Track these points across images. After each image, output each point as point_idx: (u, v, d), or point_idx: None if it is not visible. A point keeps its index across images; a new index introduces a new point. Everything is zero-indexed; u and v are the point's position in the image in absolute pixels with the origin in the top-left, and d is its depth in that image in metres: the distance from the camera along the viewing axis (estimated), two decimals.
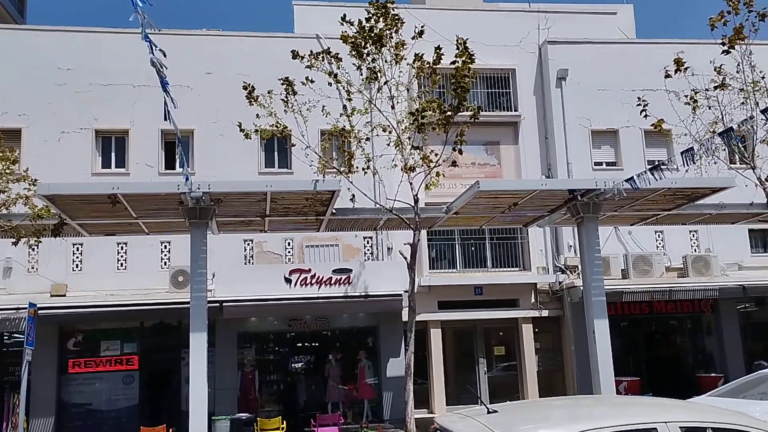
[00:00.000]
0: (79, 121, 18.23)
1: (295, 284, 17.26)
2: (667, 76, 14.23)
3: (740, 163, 14.94)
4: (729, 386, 10.13)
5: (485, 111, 19.07)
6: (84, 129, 18.26)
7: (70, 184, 13.27)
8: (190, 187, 11.53)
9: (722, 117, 14.17)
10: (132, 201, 12.25)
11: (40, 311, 14.60)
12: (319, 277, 17.37)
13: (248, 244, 18.48)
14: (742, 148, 13.58)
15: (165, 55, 8.58)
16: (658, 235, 19.89)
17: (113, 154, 18.61)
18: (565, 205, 13.87)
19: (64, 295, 17.12)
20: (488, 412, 4.96)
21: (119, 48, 18.33)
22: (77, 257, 17.78)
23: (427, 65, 13.96)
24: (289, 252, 18.68)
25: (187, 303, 12.52)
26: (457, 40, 13.71)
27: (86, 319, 17.05)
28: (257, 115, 14.23)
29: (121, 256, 17.94)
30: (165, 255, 18.07)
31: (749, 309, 20.33)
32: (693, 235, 20.00)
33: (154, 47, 8.12)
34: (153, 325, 17.97)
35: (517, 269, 19.80)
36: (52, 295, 17.03)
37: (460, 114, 13.95)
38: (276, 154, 19.01)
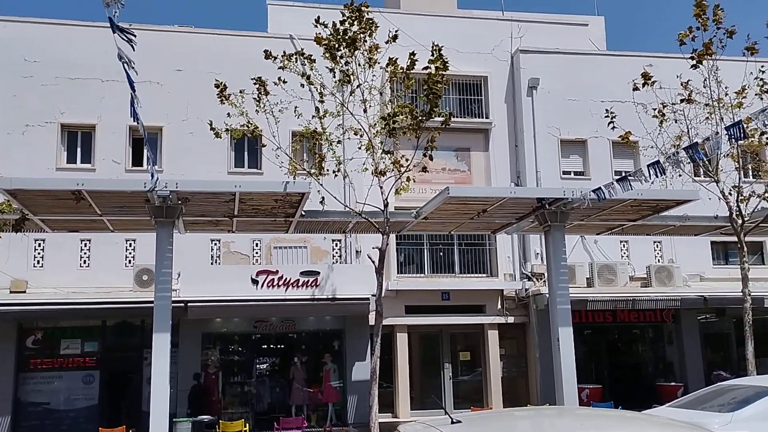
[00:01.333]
0: (44, 115, 17.87)
1: (262, 285, 17.12)
2: (635, 88, 14.46)
3: (704, 177, 15.22)
4: (689, 397, 10.29)
5: (457, 117, 19.15)
6: (49, 123, 17.91)
7: (33, 179, 13.00)
8: (157, 185, 11.36)
9: (688, 131, 14.43)
10: (97, 198, 12.03)
11: None
12: (286, 278, 17.26)
13: (215, 244, 18.29)
14: (707, 162, 13.83)
15: (134, 49, 8.37)
16: (623, 245, 20.18)
17: (79, 149, 18.28)
18: (533, 213, 13.99)
19: (24, 292, 16.76)
20: (452, 423, 4.96)
21: (88, 42, 18.02)
22: (39, 253, 17.42)
23: (401, 71, 13.97)
24: (256, 253, 18.53)
25: (151, 302, 12.33)
26: (432, 47, 13.74)
27: (46, 317, 16.72)
28: (228, 114, 14.10)
29: (84, 253, 17.62)
30: (130, 253, 17.79)
31: (709, 320, 20.71)
32: (657, 245, 20.32)
33: (128, 36, 7.89)
34: (115, 324, 17.68)
35: (484, 275, 19.91)
36: (11, 291, 16.65)
37: (431, 120, 13.99)
38: (246, 154, 18.85)
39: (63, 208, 12.55)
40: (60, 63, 18.06)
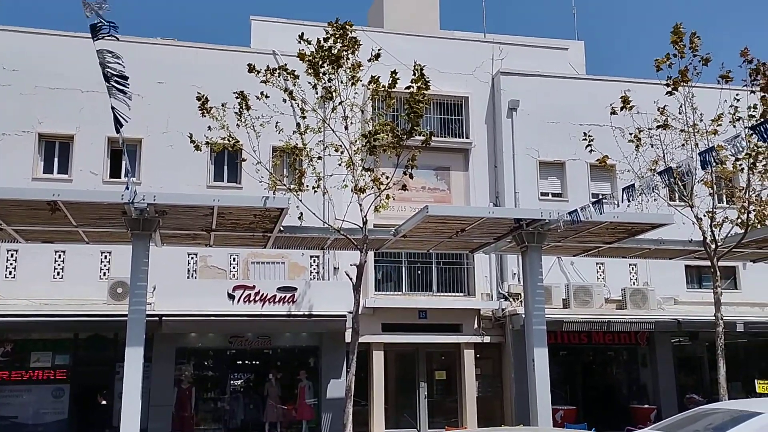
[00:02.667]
0: (22, 124, 17.69)
1: (239, 300, 17.01)
2: (613, 112, 14.67)
3: (679, 201, 15.43)
4: (666, 422, 10.31)
5: (437, 136, 19.26)
6: (27, 132, 17.73)
7: (7, 188, 12.86)
8: (134, 198, 11.28)
9: (663, 156, 14.65)
10: (73, 209, 11.91)
11: None
12: (263, 294, 17.16)
13: (192, 258, 18.14)
14: (682, 187, 14.04)
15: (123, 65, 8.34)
16: (599, 267, 20.34)
17: (56, 160, 18.10)
18: (510, 233, 14.08)
19: None
20: None
21: (69, 52, 17.91)
22: (11, 264, 17.16)
23: (383, 89, 14.06)
24: (234, 267, 18.42)
25: (125, 316, 12.19)
26: (414, 66, 13.86)
27: (17, 329, 16.41)
28: (209, 127, 14.07)
29: (59, 265, 17.38)
30: (105, 265, 17.59)
31: (683, 343, 20.90)
32: (632, 268, 20.51)
33: (110, 36, 7.83)
34: (88, 337, 17.43)
35: (461, 294, 19.94)
36: None
37: (412, 138, 14.08)
38: (226, 168, 18.78)
39: (38, 218, 12.41)
40: (40, 72, 17.92)
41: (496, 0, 50.85)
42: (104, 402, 17.18)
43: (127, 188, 11.17)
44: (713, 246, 14.29)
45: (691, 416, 9.94)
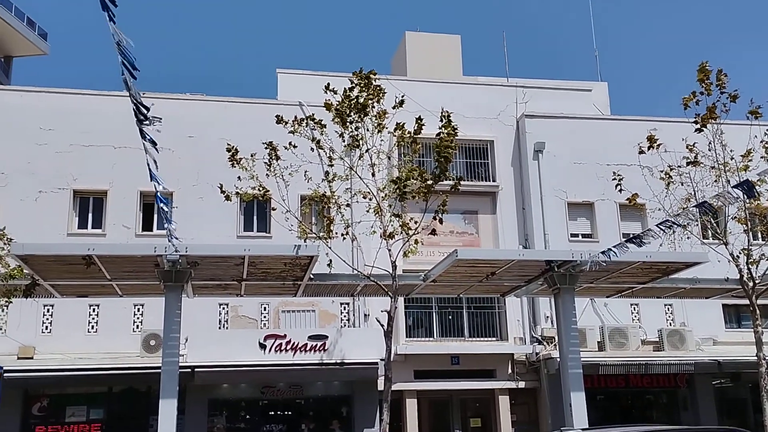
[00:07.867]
0: (57, 181, 18.16)
1: (270, 350, 16.97)
2: (641, 152, 14.57)
3: (713, 239, 15.16)
4: None
5: (464, 180, 19.25)
6: (62, 189, 18.18)
7: (44, 244, 13.12)
8: (167, 250, 11.43)
9: (695, 193, 14.46)
10: (107, 263, 12.11)
11: (5, 374, 14.15)
12: (294, 343, 17.11)
13: (223, 308, 18.24)
14: (715, 225, 13.83)
15: (148, 110, 8.55)
16: (634, 308, 19.98)
17: (90, 215, 18.49)
18: (542, 275, 13.94)
19: (32, 358, 16.66)
20: None
21: (102, 110, 18.47)
22: (47, 318, 17.40)
23: (408, 135, 14.19)
24: (264, 317, 18.44)
25: (158, 368, 12.24)
26: (441, 113, 13.98)
27: (53, 383, 16.57)
28: (239, 177, 14.28)
29: (93, 318, 17.58)
30: (137, 318, 17.75)
31: (725, 385, 20.28)
32: (668, 308, 20.10)
33: (141, 103, 8.08)
34: (121, 390, 17.49)
35: (494, 339, 19.68)
36: (19, 358, 16.55)
37: (440, 183, 14.13)
38: (255, 217, 19.00)
39: (73, 273, 12.62)
40: (74, 130, 18.46)
41: (517, 44, 51.45)
42: None
43: (172, 235, 11.30)
44: (751, 284, 13.97)
45: None
